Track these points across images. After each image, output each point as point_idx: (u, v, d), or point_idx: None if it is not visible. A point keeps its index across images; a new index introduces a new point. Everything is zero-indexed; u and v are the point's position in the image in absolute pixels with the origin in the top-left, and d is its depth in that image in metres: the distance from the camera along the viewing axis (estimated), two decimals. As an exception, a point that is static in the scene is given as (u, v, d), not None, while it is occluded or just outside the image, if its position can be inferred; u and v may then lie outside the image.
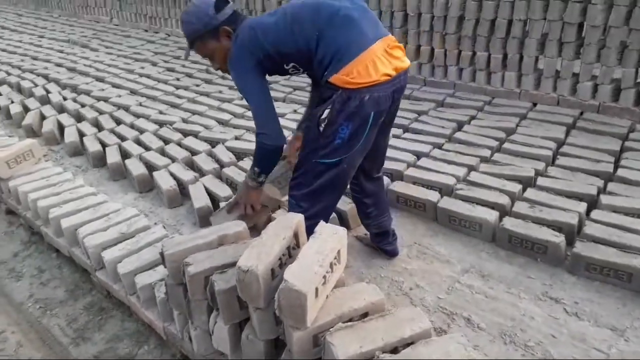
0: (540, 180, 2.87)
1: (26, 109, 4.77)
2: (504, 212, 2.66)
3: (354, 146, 1.94)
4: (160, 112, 4.45)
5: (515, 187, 2.80)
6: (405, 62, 1.97)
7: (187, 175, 3.21)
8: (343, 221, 2.79)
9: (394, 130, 3.67)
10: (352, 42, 1.84)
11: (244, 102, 4.39)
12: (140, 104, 4.69)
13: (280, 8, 2.04)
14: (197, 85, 5.11)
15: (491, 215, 2.59)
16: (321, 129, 1.92)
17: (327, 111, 1.89)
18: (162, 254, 1.76)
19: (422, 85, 4.71)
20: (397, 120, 3.74)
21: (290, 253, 1.56)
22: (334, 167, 1.97)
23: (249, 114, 4.22)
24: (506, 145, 3.33)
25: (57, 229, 2.59)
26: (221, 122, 4.13)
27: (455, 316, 2.16)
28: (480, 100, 4.19)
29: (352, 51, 1.83)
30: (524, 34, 4.06)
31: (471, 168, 3.08)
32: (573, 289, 2.26)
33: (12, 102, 4.95)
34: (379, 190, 2.41)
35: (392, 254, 2.54)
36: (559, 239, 2.37)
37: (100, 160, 3.76)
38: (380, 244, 2.51)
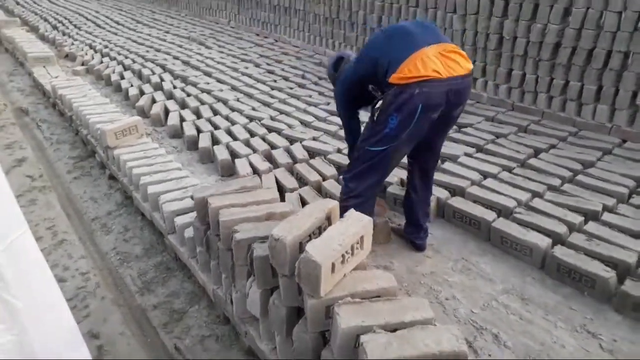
0: (607, 216, 2.77)
1: (142, 93, 5.42)
2: (559, 240, 2.61)
3: (400, 136, 2.20)
4: (253, 109, 4.84)
5: (577, 219, 2.74)
6: (465, 67, 2.19)
7: (263, 165, 3.50)
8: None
9: (466, 149, 3.71)
10: (406, 48, 2.15)
11: (328, 107, 4.70)
12: (238, 99, 5.12)
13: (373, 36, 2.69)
14: (291, 88, 5.46)
15: (543, 241, 2.57)
16: (375, 117, 2.24)
17: (380, 102, 2.21)
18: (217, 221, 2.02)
19: (509, 109, 4.64)
20: (472, 140, 3.84)
21: (320, 232, 1.73)
22: (381, 153, 2.27)
23: (331, 118, 4.47)
24: (580, 177, 3.23)
25: (144, 194, 3.00)
26: (304, 123, 4.41)
27: (484, 331, 2.20)
28: (566, 130, 4.06)
29: (405, 54, 2.13)
30: (622, 67, 3.88)
31: (536, 194, 3.04)
32: (615, 328, 2.19)
33: (132, 85, 5.64)
34: (426, 188, 2.70)
35: (420, 248, 2.76)
36: (609, 274, 2.30)
37: (194, 144, 4.19)
38: (412, 236, 2.76)
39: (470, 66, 2.23)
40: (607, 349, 2.07)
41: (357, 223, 1.67)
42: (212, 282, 2.34)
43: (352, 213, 1.74)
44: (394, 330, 1.45)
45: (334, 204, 1.80)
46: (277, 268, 1.69)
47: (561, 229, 2.65)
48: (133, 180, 3.18)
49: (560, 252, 2.48)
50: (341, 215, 1.77)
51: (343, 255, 1.59)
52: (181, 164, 3.92)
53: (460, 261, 2.69)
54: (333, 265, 1.55)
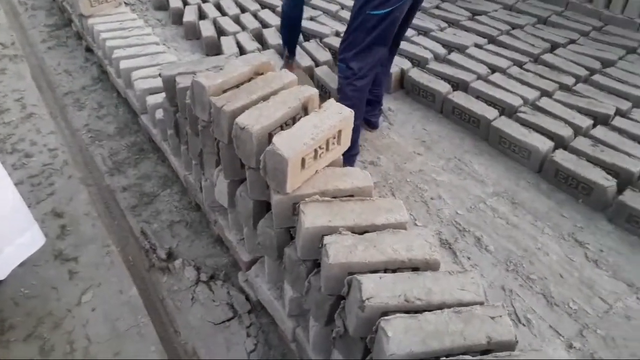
0: (618, 121, 2.55)
1: (125, -44, 4.88)
2: (561, 144, 2.42)
3: None
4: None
5: (585, 122, 2.52)
6: None
7: (251, 45, 3.20)
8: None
9: (476, 39, 3.38)
10: None
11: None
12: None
13: None
14: None
15: (544, 144, 2.37)
16: None
17: None
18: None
19: (531, -3, 4.19)
20: (484, 29, 3.49)
21: (294, 123, 1.53)
22: (386, 18, 2.02)
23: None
24: (596, 77, 2.95)
25: (117, 69, 2.74)
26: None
27: (467, 233, 2.10)
28: (589, 24, 3.66)
29: None
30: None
31: (545, 93, 2.79)
32: (604, 238, 2.08)
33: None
34: (391, 60, 2.59)
35: (374, 125, 2.70)
36: (608, 182, 2.14)
37: (179, 18, 3.82)
38: (368, 114, 2.61)
39: None
40: (591, 259, 1.98)
41: (335, 115, 1.46)
42: (184, 168, 2.19)
43: (330, 103, 1.52)
44: (363, 233, 1.31)
45: (312, 92, 1.57)
46: (242, 159, 1.51)
47: (566, 132, 2.44)
48: (107, 54, 2.90)
49: (560, 156, 2.30)
50: (339, 101, 1.56)
51: (316, 150, 1.40)
52: (165, 39, 3.61)
53: (453, 160, 2.52)
54: (303, 160, 1.37)
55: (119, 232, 2.10)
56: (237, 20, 3.65)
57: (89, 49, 3.43)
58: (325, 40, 3.37)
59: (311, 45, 3.28)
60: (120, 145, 2.58)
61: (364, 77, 2.17)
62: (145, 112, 2.51)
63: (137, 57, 2.73)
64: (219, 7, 3.86)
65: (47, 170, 2.32)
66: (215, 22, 3.57)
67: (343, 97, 2.19)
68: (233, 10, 3.77)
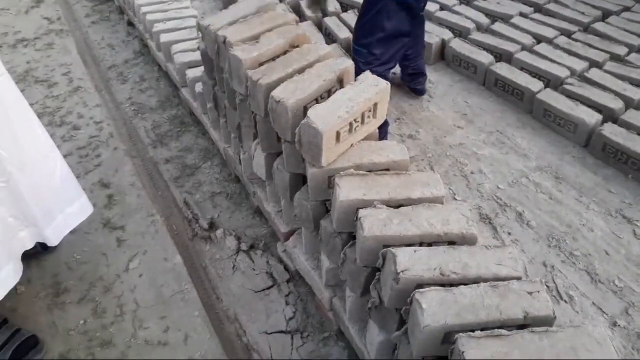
0: (674, 93, 2.41)
1: None
2: (611, 117, 2.31)
3: None
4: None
5: (637, 94, 2.39)
6: None
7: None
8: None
9: (522, 7, 3.24)
10: None
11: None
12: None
13: None
14: None
15: (591, 117, 2.28)
16: None
17: None
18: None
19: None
20: (529, -3, 3.31)
21: (329, 96, 1.52)
22: (404, 3, 1.98)
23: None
24: (652, 46, 2.78)
25: (158, 43, 2.79)
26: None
27: (508, 208, 2.06)
28: (647, -11, 3.44)
29: None
30: None
31: (594, 64, 2.66)
32: (655, 216, 2.00)
33: None
34: (421, 32, 2.45)
35: (420, 92, 2.69)
36: (661, 158, 2.04)
37: (218, -10, 3.82)
38: (411, 83, 2.65)
39: None
40: (640, 237, 1.91)
41: (371, 88, 1.44)
42: (223, 141, 2.23)
43: (367, 76, 1.50)
44: (398, 207, 1.31)
45: (348, 64, 1.56)
46: (278, 132, 1.53)
47: (616, 104, 2.33)
48: (147, 28, 2.95)
49: (609, 129, 2.20)
50: None
51: (351, 124, 1.40)
52: (203, 11, 3.64)
53: (495, 133, 2.46)
54: (338, 133, 1.37)
55: (162, 202, 2.17)
56: (275, -9, 3.62)
57: (130, 23, 3.50)
58: None
59: (350, 16, 3.22)
60: (162, 118, 2.65)
61: (387, 63, 2.14)
62: (185, 86, 2.55)
63: (177, 30, 2.77)
64: (257, -21, 3.83)
65: (93, 142, 2.42)
66: (253, -6, 3.56)
67: None
68: (271, -19, 3.73)
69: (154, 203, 2.12)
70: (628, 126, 2.22)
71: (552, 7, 3.25)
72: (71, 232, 1.74)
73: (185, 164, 2.36)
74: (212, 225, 2.04)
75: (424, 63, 2.62)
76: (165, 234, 1.93)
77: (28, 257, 1.71)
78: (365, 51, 2.10)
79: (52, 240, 1.65)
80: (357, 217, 1.28)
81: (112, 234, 1.92)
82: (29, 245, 1.60)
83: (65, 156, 2.25)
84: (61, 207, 1.63)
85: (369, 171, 1.43)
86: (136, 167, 2.32)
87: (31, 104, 1.66)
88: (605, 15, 3.16)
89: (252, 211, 2.11)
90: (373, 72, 2.06)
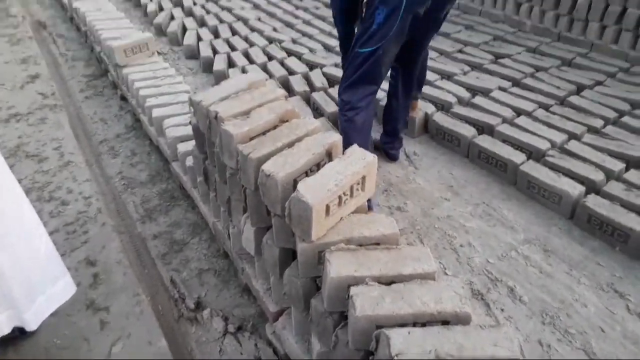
0: (652, 164, 2.49)
1: (161, 9, 5.16)
2: (593, 189, 2.36)
3: (388, 33, 2.11)
4: (274, 29, 4.54)
5: (617, 166, 2.46)
6: None
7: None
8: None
9: (501, 82, 3.39)
10: None
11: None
12: (259, 19, 4.82)
13: None
14: (317, 8, 5.08)
15: (574, 189, 2.32)
16: (362, 14, 2.17)
17: None
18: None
19: (555, 40, 4.20)
20: (508, 72, 3.50)
21: (319, 169, 1.55)
22: (371, 55, 2.16)
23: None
24: (626, 119, 2.90)
25: (150, 117, 2.85)
26: (326, 47, 4.10)
27: (499, 283, 2.04)
28: (616, 66, 3.64)
29: None
30: (692, -6, 3.39)
31: (573, 136, 2.75)
32: (646, 288, 1.99)
33: (151, 1, 5.36)
34: (408, 95, 2.65)
35: (393, 157, 2.82)
36: (646, 229, 2.07)
37: (209, 66, 3.97)
38: (387, 145, 2.79)
39: None
40: (634, 311, 1.89)
41: (359, 161, 1.48)
42: (213, 215, 2.22)
43: (354, 149, 1.54)
44: (390, 283, 1.29)
45: (336, 138, 1.60)
46: (268, 206, 1.53)
47: (597, 176, 2.39)
48: (140, 102, 3.03)
49: (593, 201, 2.24)
50: (341, 134, 1.63)
51: (340, 197, 1.41)
52: (196, 87, 3.75)
53: (481, 205, 2.49)
54: (327, 207, 1.38)
55: (149, 280, 2.12)
56: (264, 68, 3.77)
57: (123, 98, 3.58)
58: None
59: (336, 91, 3.34)
60: (152, 193, 2.65)
61: (354, 109, 2.29)
62: (176, 160, 2.58)
63: (169, 105, 2.84)
64: (247, 56, 4.00)
65: (81, 218, 2.39)
66: (243, 70, 3.70)
67: (340, 127, 2.37)
68: (261, 58, 3.90)
69: (140, 282, 2.06)
70: (611, 197, 2.26)
71: (529, 81, 3.41)
72: (52, 314, 1.68)
73: (174, 240, 2.33)
74: (199, 305, 1.98)
75: (403, 128, 2.78)
76: (150, 314, 1.87)
77: (4, 342, 1.63)
78: (339, 98, 2.34)
79: (31, 325, 1.58)
80: (348, 295, 1.26)
81: (95, 316, 1.85)
82: (6, 330, 1.53)
83: (51, 233, 2.23)
84: (43, 287, 1.59)
85: (360, 245, 1.43)
86: (124, 243, 2.28)
87: (20, 179, 1.66)
88: (579, 89, 3.32)
89: (241, 289, 2.07)
90: (344, 116, 2.30)
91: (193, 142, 2.42)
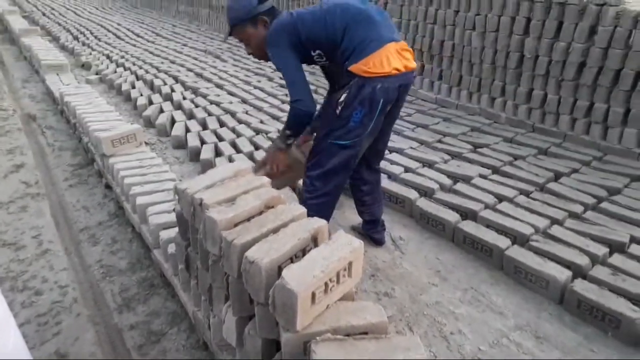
0: (635, 249, 2.51)
1: (150, 102, 5.33)
2: (580, 273, 2.36)
3: (365, 130, 2.23)
4: (261, 122, 4.69)
5: (600, 250, 2.48)
6: (413, 63, 2.27)
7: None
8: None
9: (481, 170, 3.49)
10: (372, 39, 2.17)
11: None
12: (246, 112, 4.99)
13: (317, 4, 2.36)
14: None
15: (562, 274, 2.32)
16: (338, 111, 2.23)
17: (344, 95, 2.20)
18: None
19: (530, 131, 4.41)
20: (487, 160, 3.61)
21: (304, 255, 1.53)
22: (347, 149, 2.27)
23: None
24: (605, 204, 2.97)
25: (134, 205, 2.83)
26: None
27: (492, 373, 1.95)
28: (589, 155, 3.80)
29: (371, 46, 2.16)
30: (653, 89, 3.63)
31: (555, 221, 2.80)
32: (643, 376, 1.92)
33: (141, 95, 5.56)
34: (376, 181, 2.69)
35: (378, 242, 2.80)
36: (636, 314, 2.04)
37: (196, 156, 4.04)
38: (370, 231, 2.79)
39: (415, 64, 2.32)
40: (633, 402, 1.80)
41: (346, 247, 1.46)
42: (193, 304, 2.14)
43: (340, 235, 1.53)
44: (380, 375, 1.23)
45: (321, 224, 1.60)
46: (251, 294, 1.48)
47: (582, 260, 2.39)
48: (124, 190, 3.02)
49: (580, 286, 2.23)
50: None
51: (326, 284, 1.38)
52: (182, 175, 3.78)
53: (470, 291, 2.45)
54: (313, 294, 1.34)
55: (122, 374, 1.99)
56: (251, 157, 3.84)
57: (108, 186, 3.58)
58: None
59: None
60: (131, 281, 2.56)
61: (326, 195, 2.37)
62: (158, 247, 2.53)
63: (154, 193, 2.84)
64: (234, 145, 4.09)
65: (55, 309, 2.29)
66: (230, 159, 3.76)
67: (307, 207, 2.22)
68: (248, 147, 3.98)
69: (113, 376, 1.93)
70: (598, 282, 2.25)
71: (508, 169, 3.52)
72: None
73: (151, 330, 2.22)
74: (176, 401, 1.85)
75: (381, 212, 2.78)
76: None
77: None
78: (309, 182, 2.38)
79: None
80: (335, 389, 1.19)
81: (60, 416, 1.71)
82: None
83: (22, 324, 2.12)
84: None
85: (347, 335, 1.37)
86: (98, 334, 2.17)
87: (-6, 269, 1.60)
88: (557, 176, 3.43)
89: (221, 382, 1.94)
90: (315, 200, 2.33)
91: (176, 229, 2.39)
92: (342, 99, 2.22)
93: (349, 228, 2.96)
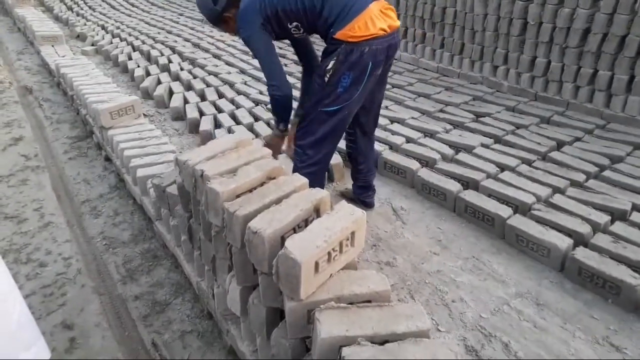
0: (636, 216, 2.51)
1: (148, 74, 5.26)
2: (581, 241, 2.36)
3: (353, 94, 2.22)
4: (260, 92, 4.63)
5: (602, 218, 2.48)
6: (397, 22, 2.24)
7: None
8: (329, 173, 3.18)
9: (483, 139, 3.46)
10: (354, 3, 2.12)
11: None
12: (245, 83, 4.92)
13: None
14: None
15: (563, 242, 2.32)
16: (326, 79, 2.20)
17: (332, 62, 2.17)
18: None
19: (532, 99, 4.36)
20: (490, 130, 3.58)
21: (306, 226, 1.52)
22: (336, 114, 2.25)
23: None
24: (607, 173, 2.96)
25: (134, 177, 2.82)
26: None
27: (493, 339, 1.98)
28: (592, 123, 3.77)
29: (353, 10, 2.11)
30: (658, 55, 3.57)
31: (557, 190, 2.79)
32: (642, 341, 1.95)
33: (138, 66, 5.48)
34: (370, 148, 2.72)
35: (369, 205, 2.87)
36: (637, 281, 2.05)
37: (195, 127, 4.00)
38: (362, 196, 2.84)
39: (399, 22, 2.29)
40: (632, 367, 1.83)
41: (348, 217, 1.46)
42: (197, 274, 2.16)
43: (342, 205, 1.52)
44: (383, 343, 1.24)
45: (324, 194, 1.59)
46: (255, 264, 1.49)
47: (584, 228, 2.39)
48: (124, 163, 3.01)
49: (582, 254, 2.23)
50: None
51: (329, 253, 1.38)
52: (181, 147, 3.76)
53: (471, 260, 2.46)
54: (316, 264, 1.34)
55: (129, 343, 2.01)
56: (250, 128, 3.81)
57: (107, 159, 3.57)
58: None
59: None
60: (134, 252, 2.57)
61: (315, 165, 2.37)
62: (160, 219, 2.53)
63: (154, 165, 2.82)
64: (233, 117, 4.05)
65: (60, 280, 2.30)
66: (229, 130, 3.73)
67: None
68: (247, 119, 3.95)
69: (120, 345, 1.96)
70: (599, 250, 2.26)
71: (510, 138, 3.49)
72: (23, 383, 1.56)
73: (156, 301, 2.24)
74: (182, 369, 1.88)
75: (374, 177, 2.84)
76: (129, 380, 1.76)
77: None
78: (301, 151, 2.36)
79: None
80: (340, 357, 1.20)
81: (69, 383, 1.74)
82: (-28, 400, 1.42)
83: (27, 296, 2.14)
84: (15, 354, 1.48)
85: (350, 303, 1.38)
86: (103, 305, 2.19)
87: (-3, 242, 1.60)
88: (559, 145, 3.41)
89: (226, 351, 1.97)
90: (307, 169, 2.32)
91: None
92: (329, 66, 2.18)
93: (336, 195, 3.02)
